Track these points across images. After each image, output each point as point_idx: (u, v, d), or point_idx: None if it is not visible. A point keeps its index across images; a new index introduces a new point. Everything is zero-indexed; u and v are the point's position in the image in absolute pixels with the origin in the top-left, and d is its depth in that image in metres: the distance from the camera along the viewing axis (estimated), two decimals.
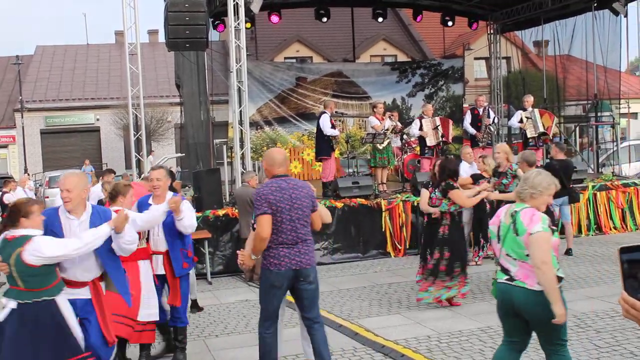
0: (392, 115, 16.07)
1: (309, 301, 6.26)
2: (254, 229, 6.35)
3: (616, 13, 17.75)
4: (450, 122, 16.31)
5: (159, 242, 7.15)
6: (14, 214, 5.43)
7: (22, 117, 35.69)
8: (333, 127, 14.66)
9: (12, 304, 5.33)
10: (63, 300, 5.47)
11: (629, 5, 17.22)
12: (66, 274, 5.64)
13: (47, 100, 37.47)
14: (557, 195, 12.30)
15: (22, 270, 5.27)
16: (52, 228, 5.60)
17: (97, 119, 37.56)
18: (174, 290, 7.18)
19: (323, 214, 6.53)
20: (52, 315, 5.37)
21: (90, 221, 5.73)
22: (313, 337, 6.31)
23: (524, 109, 16.31)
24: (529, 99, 16.40)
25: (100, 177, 12.93)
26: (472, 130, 16.38)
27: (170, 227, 7.03)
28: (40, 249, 5.28)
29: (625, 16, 17.63)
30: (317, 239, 12.92)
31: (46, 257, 5.29)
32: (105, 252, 5.74)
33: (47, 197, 26.05)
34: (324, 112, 14.61)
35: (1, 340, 5.31)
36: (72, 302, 5.57)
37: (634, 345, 6.95)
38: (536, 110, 16.26)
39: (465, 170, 12.04)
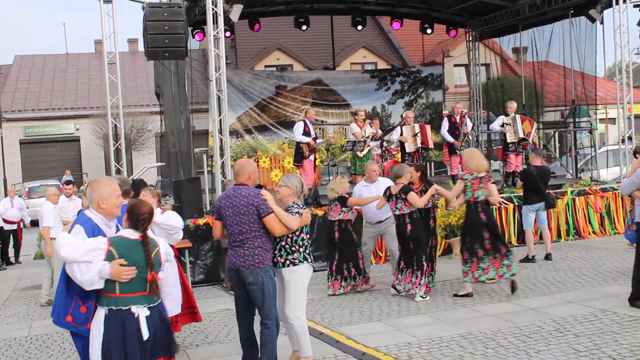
0: (372, 123, 16.15)
1: (257, 301, 6.72)
2: None
3: (592, 20, 17.96)
4: (429, 127, 16.36)
5: None
6: (152, 217, 5.40)
7: (0, 127, 35.40)
8: (308, 134, 14.72)
9: (146, 312, 5.14)
10: None
11: (605, 12, 17.40)
12: None
13: (26, 110, 37.19)
14: (533, 201, 12.54)
15: (158, 271, 5.27)
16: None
17: (77, 129, 37.32)
18: None
19: (284, 220, 6.71)
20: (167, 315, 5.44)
21: (116, 227, 5.62)
22: (260, 337, 6.78)
23: (507, 115, 16.45)
24: (512, 105, 16.53)
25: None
26: (449, 138, 16.49)
27: None
28: (169, 252, 5.42)
29: (602, 23, 17.82)
30: None
31: (170, 257, 5.43)
32: None
33: (27, 208, 25.82)
34: (301, 120, 14.76)
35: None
36: None
37: (612, 349, 7.00)
38: (518, 116, 16.40)
39: (362, 191, 11.22)
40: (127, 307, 5.07)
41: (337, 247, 10.59)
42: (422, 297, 9.88)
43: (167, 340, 5.40)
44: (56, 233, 11.54)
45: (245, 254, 6.63)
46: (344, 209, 10.50)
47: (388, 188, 10.32)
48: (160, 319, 5.24)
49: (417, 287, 9.93)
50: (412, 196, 9.94)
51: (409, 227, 9.98)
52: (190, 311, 7.96)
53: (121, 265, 5.04)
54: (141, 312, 5.10)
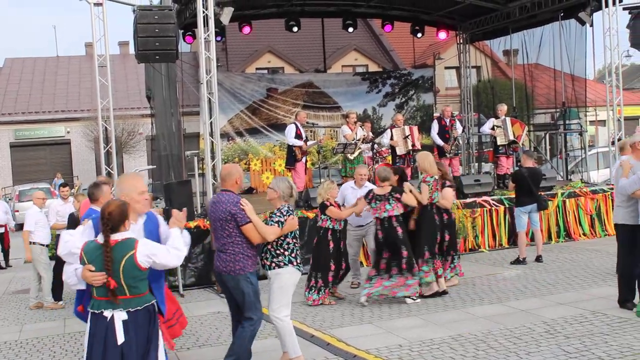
0: (364, 125, 16.18)
1: (239, 303, 6.82)
2: None
3: (582, 22, 17.99)
4: (416, 128, 16.40)
5: None
6: (120, 219, 5.06)
7: None
8: (299, 137, 14.76)
9: (122, 315, 5.00)
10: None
11: (595, 14, 17.45)
12: None
13: (16, 113, 37.03)
14: (526, 203, 12.55)
15: (133, 275, 4.99)
16: None
17: (68, 132, 37.20)
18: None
19: (261, 231, 6.72)
20: (156, 319, 5.19)
21: (145, 228, 5.50)
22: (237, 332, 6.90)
23: (497, 117, 16.50)
24: (503, 108, 16.61)
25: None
26: (439, 142, 16.53)
27: None
28: (155, 251, 5.08)
29: (591, 25, 17.88)
30: None
31: (159, 261, 5.08)
32: None
33: (17, 211, 25.74)
34: (292, 123, 14.79)
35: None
36: None
37: (602, 350, 7.03)
38: (508, 119, 16.47)
39: (347, 192, 11.09)
40: (100, 311, 5.03)
41: (314, 253, 10.52)
42: (413, 299, 9.88)
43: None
44: (38, 237, 11.59)
45: (227, 259, 6.69)
46: (322, 216, 10.29)
47: (371, 190, 10.20)
48: (149, 322, 5.13)
49: (411, 289, 9.85)
50: (408, 197, 9.95)
51: (399, 230, 9.85)
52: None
53: (91, 270, 4.99)
54: (117, 316, 5.01)
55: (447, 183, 10.67)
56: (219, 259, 6.76)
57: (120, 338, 4.99)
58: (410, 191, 10.04)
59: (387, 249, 9.91)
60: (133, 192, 5.40)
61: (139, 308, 5.07)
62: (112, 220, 5.05)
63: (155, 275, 5.50)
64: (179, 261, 5.29)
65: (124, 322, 5.01)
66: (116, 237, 5.05)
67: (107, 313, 5.02)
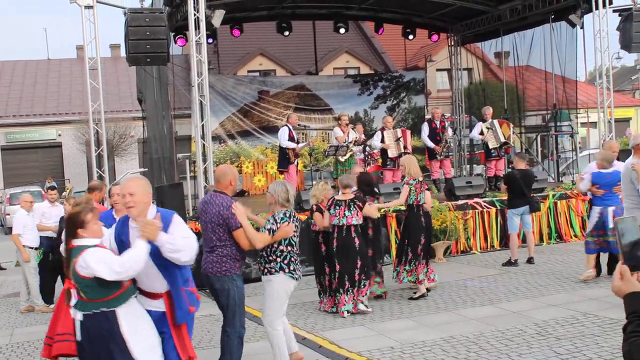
0: (355, 128, 16.21)
1: (222, 308, 6.70)
2: None
3: (573, 25, 18.04)
4: (409, 132, 16.46)
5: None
6: (70, 225, 5.20)
7: None
8: (292, 139, 14.79)
9: (79, 316, 5.15)
10: (125, 312, 5.13)
11: (585, 17, 17.51)
12: (139, 284, 5.39)
13: (7, 116, 36.94)
14: (518, 205, 12.57)
15: (79, 281, 5.07)
16: (122, 237, 5.31)
17: (59, 135, 37.11)
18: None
19: (251, 238, 6.62)
20: (109, 328, 5.09)
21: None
22: (220, 343, 6.77)
23: (484, 121, 16.53)
24: (489, 111, 16.64)
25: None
26: (430, 144, 16.56)
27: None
28: (88, 262, 4.97)
29: (582, 28, 17.93)
30: None
31: (94, 272, 4.98)
32: (163, 264, 5.31)
33: (8, 215, 25.67)
34: (284, 125, 14.82)
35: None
36: (148, 313, 5.35)
37: (593, 351, 7.05)
38: (495, 121, 16.50)
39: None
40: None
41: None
42: (366, 306, 9.70)
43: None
44: (27, 240, 11.53)
45: (214, 261, 6.62)
46: (312, 220, 10.06)
47: (332, 197, 9.80)
48: (103, 328, 5.10)
49: (363, 296, 9.70)
50: (369, 209, 9.78)
51: (356, 240, 9.52)
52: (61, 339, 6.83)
53: None
54: (76, 316, 5.20)
55: (425, 186, 10.79)
56: (206, 260, 6.69)
57: (78, 336, 5.22)
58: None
59: (339, 260, 9.53)
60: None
61: (89, 313, 5.12)
62: (67, 226, 5.30)
63: (173, 277, 5.48)
64: (116, 277, 5.02)
65: (81, 322, 5.18)
66: (75, 242, 5.20)
67: (72, 311, 5.29)
